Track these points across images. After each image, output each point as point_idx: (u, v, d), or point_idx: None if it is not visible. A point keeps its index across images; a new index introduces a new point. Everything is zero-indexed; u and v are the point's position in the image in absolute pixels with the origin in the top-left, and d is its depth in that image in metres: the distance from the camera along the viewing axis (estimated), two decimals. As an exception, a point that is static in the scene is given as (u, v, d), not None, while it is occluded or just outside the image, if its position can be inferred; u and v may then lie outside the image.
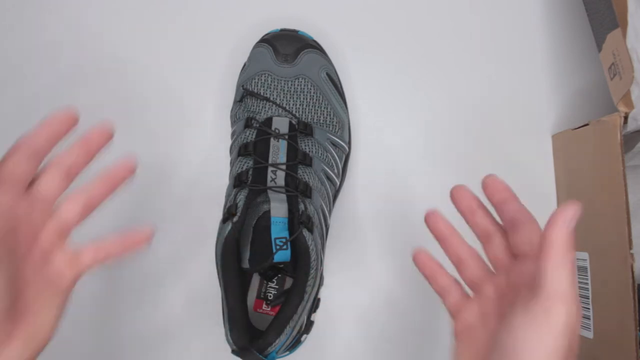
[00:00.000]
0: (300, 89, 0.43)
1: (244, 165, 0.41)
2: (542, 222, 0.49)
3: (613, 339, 0.41)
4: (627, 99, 0.38)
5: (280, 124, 0.42)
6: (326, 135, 0.44)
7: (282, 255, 0.39)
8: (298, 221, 0.39)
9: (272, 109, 0.43)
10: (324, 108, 0.44)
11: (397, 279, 0.49)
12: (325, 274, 0.48)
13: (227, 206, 0.40)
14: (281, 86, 0.43)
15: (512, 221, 0.32)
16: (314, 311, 0.44)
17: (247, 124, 0.43)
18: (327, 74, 0.45)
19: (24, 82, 0.51)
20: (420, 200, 0.49)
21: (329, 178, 0.44)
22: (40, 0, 0.52)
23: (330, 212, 0.45)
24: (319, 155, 0.43)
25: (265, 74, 0.44)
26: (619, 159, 0.38)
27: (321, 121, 0.44)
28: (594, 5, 0.43)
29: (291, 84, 0.43)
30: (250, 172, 0.41)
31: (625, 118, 0.38)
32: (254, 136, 0.42)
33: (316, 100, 0.44)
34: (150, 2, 0.51)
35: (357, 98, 0.50)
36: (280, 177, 0.40)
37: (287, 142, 0.41)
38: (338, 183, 0.46)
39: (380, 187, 0.49)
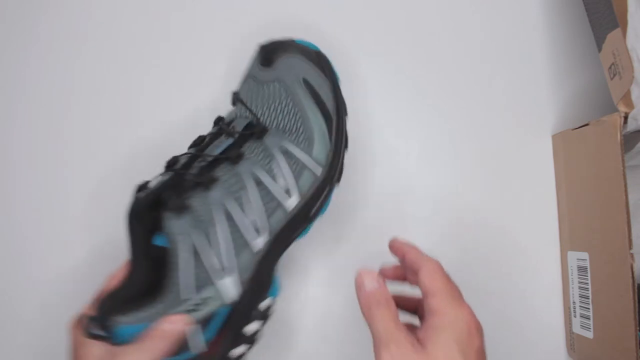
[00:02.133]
0: (271, 92, 0.42)
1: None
2: (540, 222, 0.49)
3: (613, 339, 0.41)
4: (627, 99, 0.38)
5: (239, 124, 0.42)
6: (279, 142, 0.41)
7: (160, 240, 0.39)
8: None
9: (241, 111, 0.43)
10: (293, 115, 0.42)
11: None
12: (325, 274, 0.48)
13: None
14: (257, 90, 0.43)
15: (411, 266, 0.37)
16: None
17: (215, 123, 0.43)
18: (305, 79, 0.42)
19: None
20: (420, 201, 0.49)
21: (260, 185, 0.40)
22: None
23: (270, 229, 0.40)
24: (257, 158, 0.40)
25: (249, 79, 0.44)
26: (619, 159, 0.38)
27: (286, 128, 0.41)
28: (594, 5, 0.43)
29: (265, 88, 0.42)
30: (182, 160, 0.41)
31: (625, 118, 0.38)
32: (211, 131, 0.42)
33: (285, 105, 0.42)
34: (149, 2, 0.51)
35: (357, 98, 0.50)
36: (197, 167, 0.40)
37: (233, 140, 0.41)
38: (288, 199, 0.40)
39: (381, 188, 0.49)
